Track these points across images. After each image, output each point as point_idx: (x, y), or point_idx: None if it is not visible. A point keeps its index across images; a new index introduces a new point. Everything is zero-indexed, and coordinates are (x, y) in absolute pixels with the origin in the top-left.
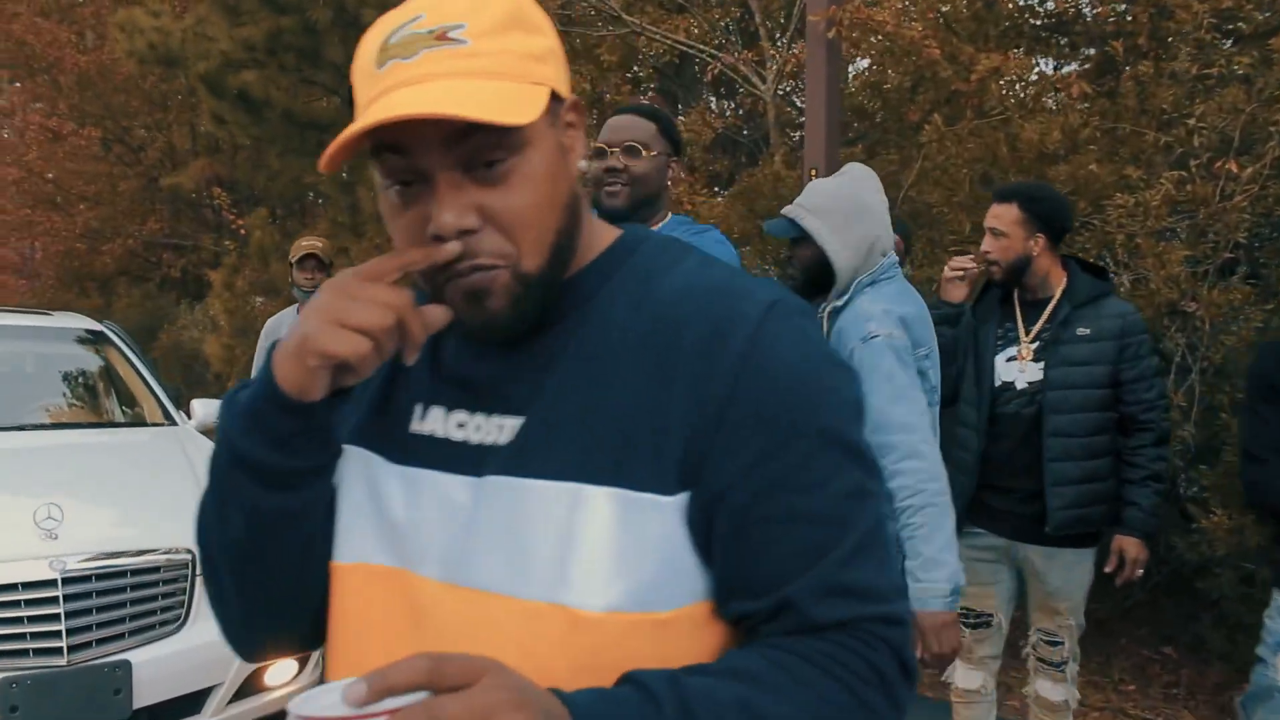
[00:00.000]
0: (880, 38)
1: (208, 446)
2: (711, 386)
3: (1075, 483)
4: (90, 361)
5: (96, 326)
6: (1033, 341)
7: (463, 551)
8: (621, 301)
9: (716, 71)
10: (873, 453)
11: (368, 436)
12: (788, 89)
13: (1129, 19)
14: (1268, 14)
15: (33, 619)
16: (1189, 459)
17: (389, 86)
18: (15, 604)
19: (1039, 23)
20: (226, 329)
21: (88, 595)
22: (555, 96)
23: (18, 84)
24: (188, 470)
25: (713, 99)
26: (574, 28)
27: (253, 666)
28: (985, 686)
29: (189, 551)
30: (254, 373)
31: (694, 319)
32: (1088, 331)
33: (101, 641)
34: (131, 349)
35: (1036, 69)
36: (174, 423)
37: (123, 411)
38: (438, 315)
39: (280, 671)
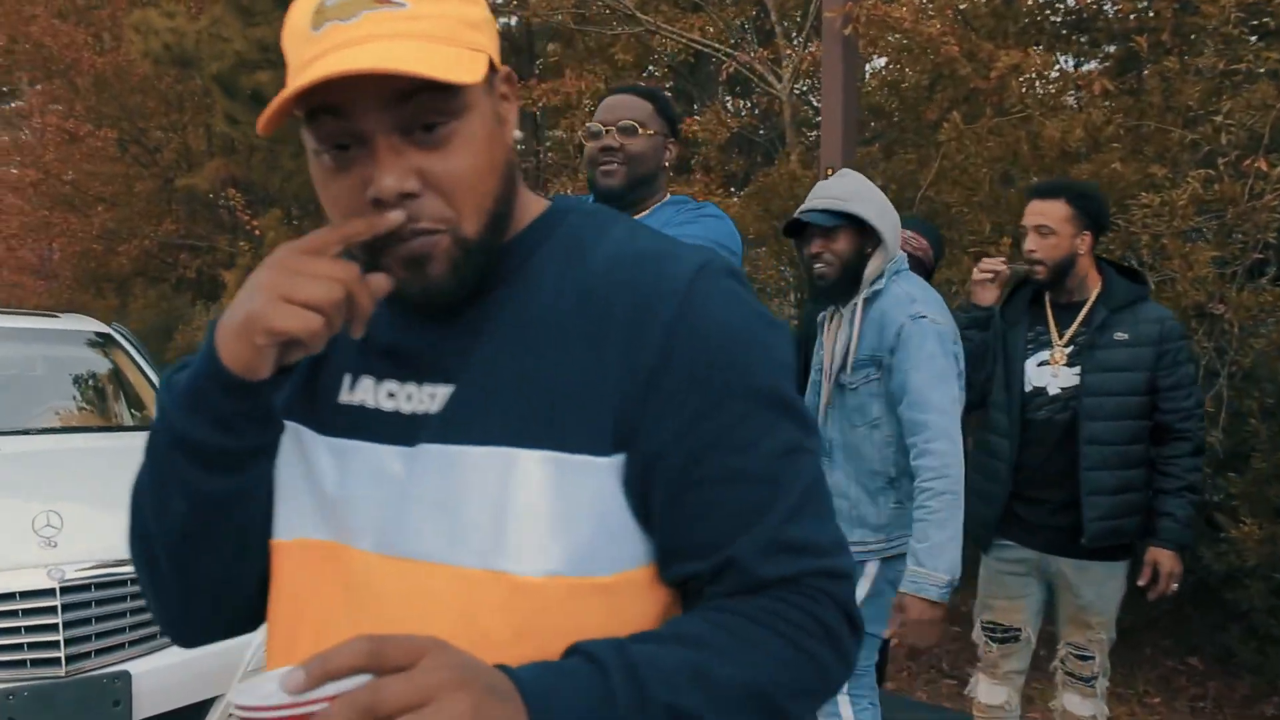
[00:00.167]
0: (897, 35)
1: None
2: (644, 348)
3: (1111, 492)
4: (97, 364)
5: (104, 329)
6: (1067, 345)
7: (397, 522)
8: (551, 270)
9: (731, 70)
10: (807, 410)
11: (297, 410)
12: (804, 88)
13: (1151, 14)
14: None
15: (30, 629)
16: (1217, 466)
17: (328, 48)
18: (13, 614)
19: (1059, 20)
20: None
21: (87, 605)
22: (491, 66)
23: (37, 86)
24: None
25: (728, 98)
26: (588, 26)
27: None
28: (1009, 702)
29: None
30: None
31: (624, 284)
32: (1125, 336)
33: (101, 652)
34: (139, 351)
35: (1057, 66)
36: None
37: (129, 415)
38: (381, 284)
39: None
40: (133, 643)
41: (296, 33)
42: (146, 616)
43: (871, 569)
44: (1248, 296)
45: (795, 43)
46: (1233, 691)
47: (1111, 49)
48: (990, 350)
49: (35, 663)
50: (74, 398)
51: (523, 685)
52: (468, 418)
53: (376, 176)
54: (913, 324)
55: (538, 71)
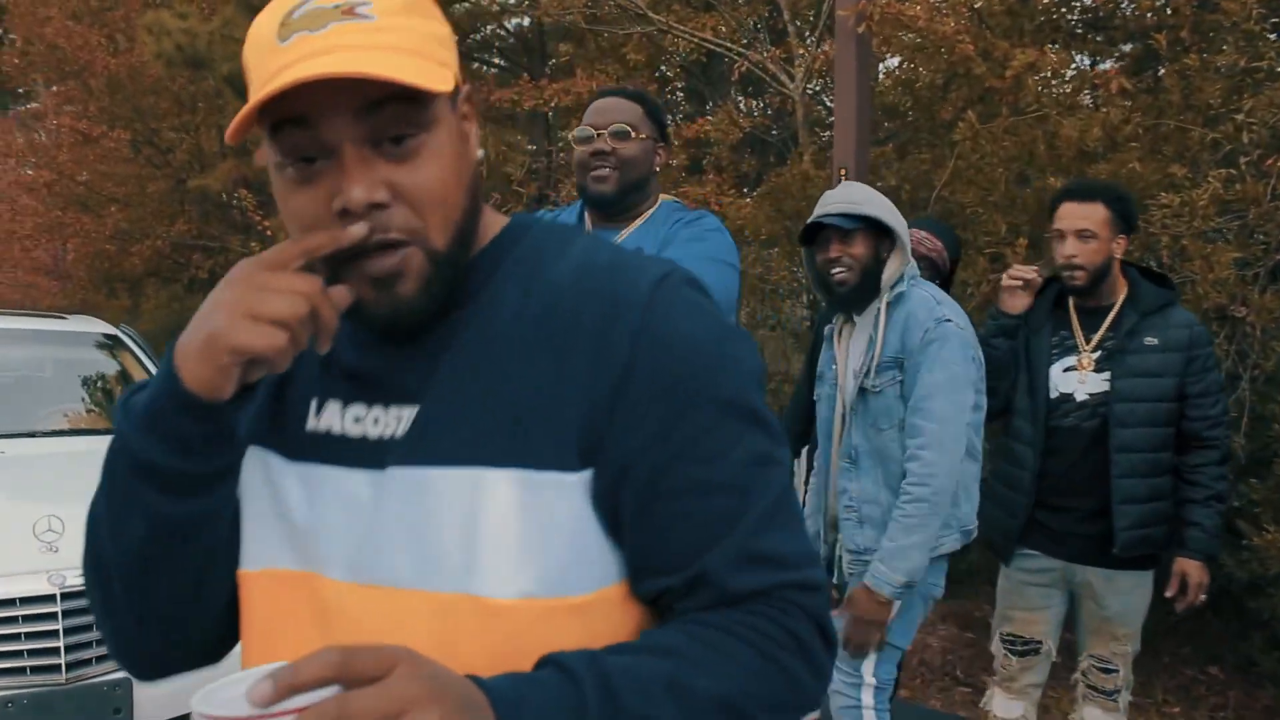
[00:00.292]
0: (911, 34)
1: None
2: (608, 361)
3: (1142, 500)
4: (104, 366)
5: (112, 330)
6: (1094, 351)
7: (368, 549)
8: (513, 287)
9: (744, 70)
10: (775, 419)
11: (263, 435)
12: (817, 88)
13: (1170, 11)
14: None
15: (30, 635)
16: (1239, 471)
17: (295, 58)
18: (13, 620)
19: (1074, 18)
20: None
21: (87, 611)
22: (456, 83)
23: (53, 88)
24: None
25: (740, 98)
26: (599, 26)
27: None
28: (1026, 716)
29: None
30: None
31: (586, 298)
32: (1156, 341)
33: (101, 659)
34: (146, 353)
35: (1074, 66)
36: None
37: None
38: (342, 296)
39: None
40: None
41: (261, 45)
42: None
43: None
44: (1270, 299)
45: (808, 42)
46: (1254, 701)
47: (1128, 47)
48: (1015, 357)
49: (35, 670)
50: (81, 400)
51: (494, 696)
52: (434, 439)
53: (345, 187)
54: (938, 327)
55: (549, 72)
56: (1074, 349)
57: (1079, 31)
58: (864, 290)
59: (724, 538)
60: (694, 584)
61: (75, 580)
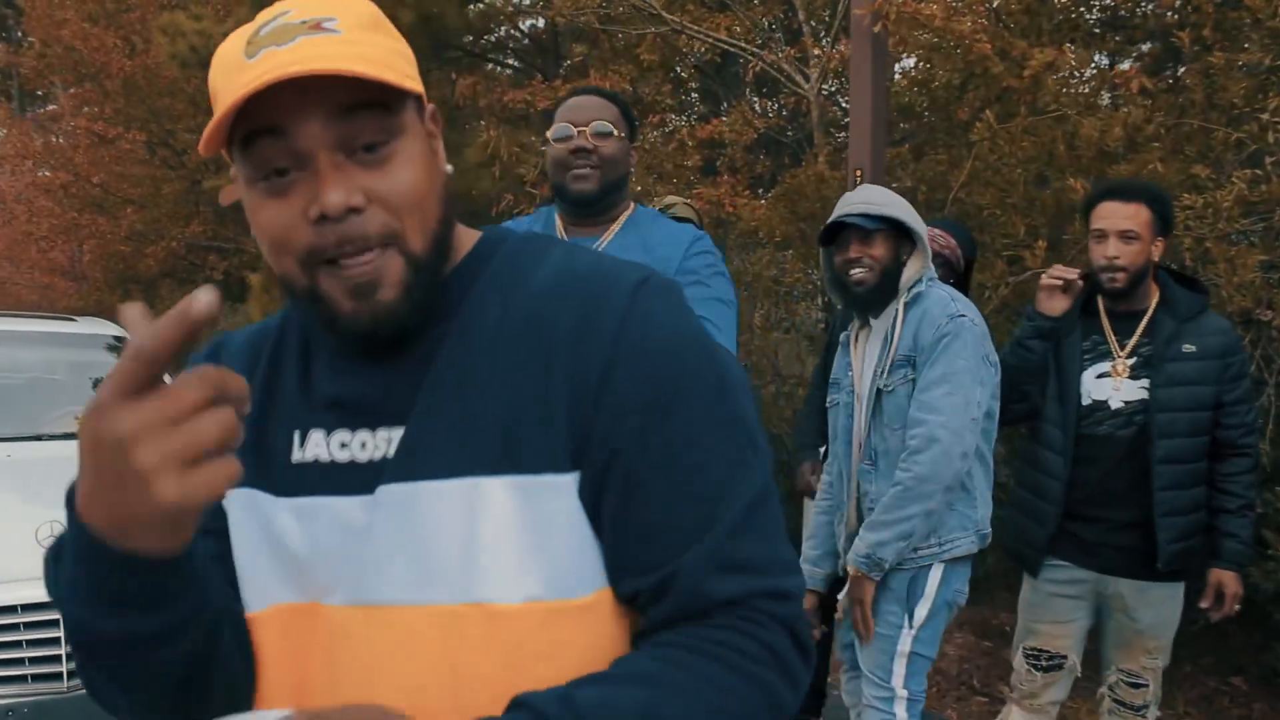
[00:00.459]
0: (928, 33)
1: None
2: (588, 364)
3: (1183, 513)
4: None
5: (120, 332)
6: (1129, 357)
7: (368, 570)
8: (492, 298)
9: (758, 70)
10: (754, 423)
11: (249, 475)
12: (832, 88)
13: (1192, 9)
14: None
15: (32, 643)
16: (1263, 479)
17: (264, 70)
18: (14, 627)
19: (1093, 17)
20: None
21: None
22: (420, 99)
23: (70, 90)
24: None
25: (755, 99)
26: (613, 27)
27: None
28: None
29: None
30: None
31: (566, 304)
32: (1193, 349)
33: None
34: None
35: (1093, 65)
36: None
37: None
38: (204, 302)
39: None
40: None
41: (229, 64)
42: None
43: (935, 576)
44: None
45: (823, 42)
46: (1278, 714)
47: (1146, 47)
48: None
49: (36, 678)
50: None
51: None
52: (425, 454)
53: (321, 193)
54: (950, 323)
55: (563, 73)
56: (1107, 354)
57: (1097, 31)
58: (881, 291)
59: (697, 541)
60: (665, 586)
61: None
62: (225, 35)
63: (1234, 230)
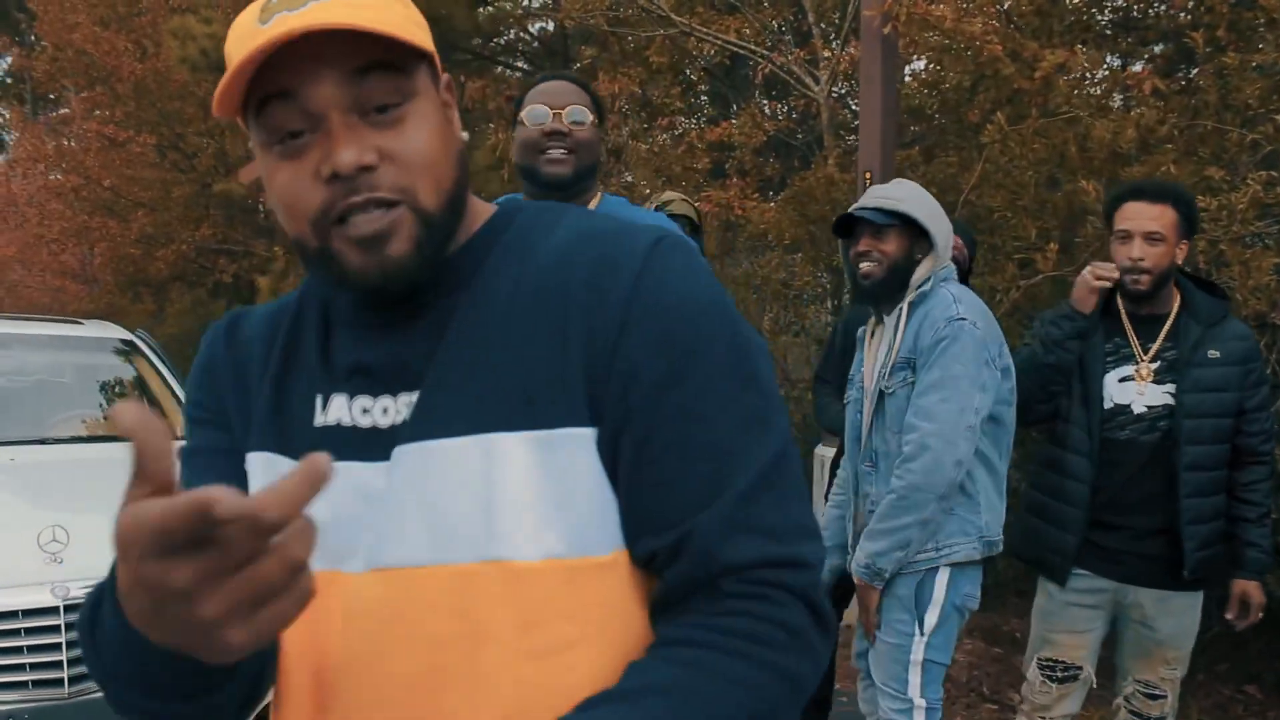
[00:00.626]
0: (938, 34)
1: None
2: (603, 320)
3: (1207, 520)
4: (119, 372)
5: (128, 336)
6: (1153, 361)
7: (385, 534)
8: (506, 265)
9: (768, 72)
10: (773, 383)
11: (270, 438)
12: (842, 90)
13: (1205, 10)
14: None
15: (33, 648)
16: (1277, 485)
17: (274, 38)
18: (15, 632)
19: (1105, 19)
20: None
21: None
22: (435, 68)
23: (82, 93)
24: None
25: (765, 101)
26: (622, 29)
27: (267, 698)
28: None
29: None
30: None
31: (581, 262)
32: (1218, 354)
33: None
34: (162, 359)
35: (1105, 67)
36: None
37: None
38: (321, 466)
39: None
40: None
41: (242, 31)
42: None
43: (942, 580)
44: None
45: (833, 44)
46: None
47: (1159, 48)
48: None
49: (38, 683)
50: (97, 406)
51: None
52: (440, 414)
53: (334, 151)
54: (948, 326)
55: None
56: (1130, 358)
57: (1109, 32)
58: (888, 287)
59: (712, 500)
60: (681, 545)
61: (79, 592)
62: None
63: (1249, 233)
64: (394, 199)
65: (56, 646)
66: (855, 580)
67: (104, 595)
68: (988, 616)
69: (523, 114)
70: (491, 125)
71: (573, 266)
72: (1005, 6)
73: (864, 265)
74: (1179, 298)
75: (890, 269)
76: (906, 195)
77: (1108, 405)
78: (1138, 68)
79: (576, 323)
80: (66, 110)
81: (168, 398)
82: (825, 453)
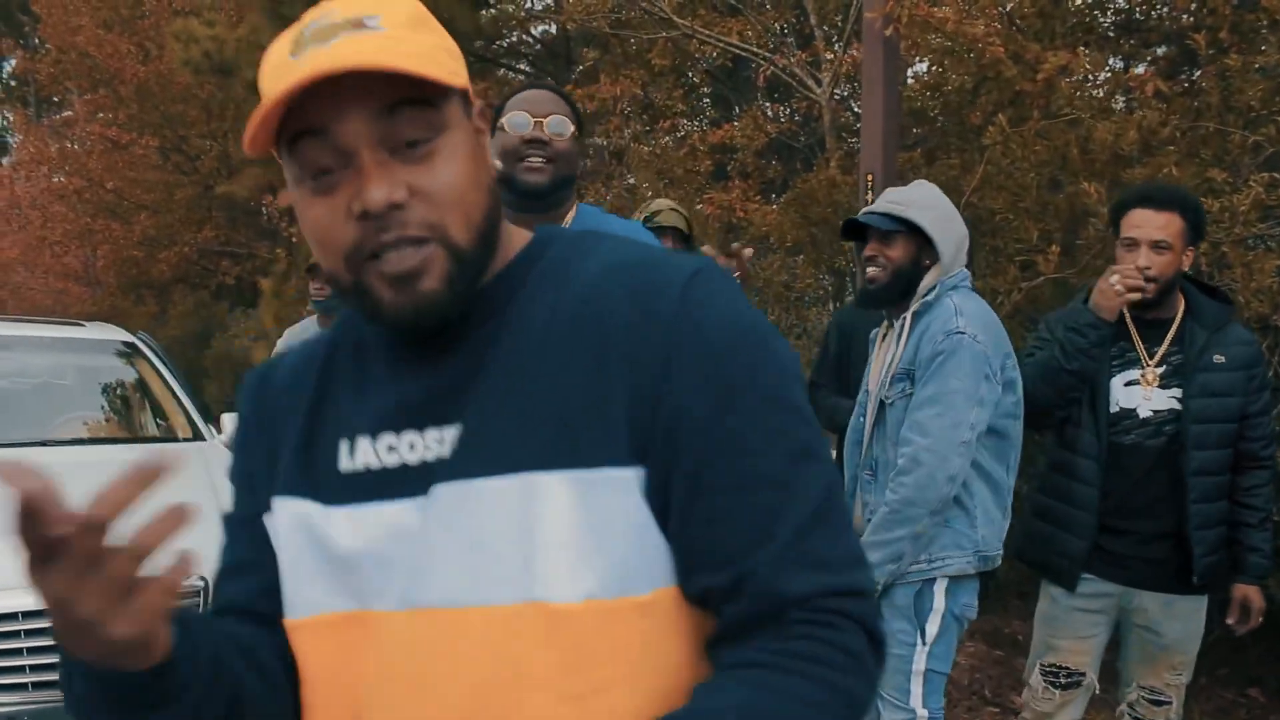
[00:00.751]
0: (940, 36)
1: None
2: (647, 355)
3: (1214, 525)
4: (120, 374)
5: (129, 338)
6: (1159, 366)
7: (420, 573)
8: (542, 296)
9: (770, 74)
10: (812, 411)
11: (299, 484)
12: (845, 92)
13: (1207, 11)
14: None
15: (33, 650)
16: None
17: (305, 74)
18: (15, 634)
19: (1108, 21)
20: (275, 336)
21: None
22: (467, 94)
23: (85, 96)
24: (208, 491)
25: (767, 104)
26: (625, 31)
27: None
28: None
29: (201, 579)
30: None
31: (618, 294)
32: (1223, 359)
33: None
34: (163, 361)
35: (1107, 69)
36: (202, 438)
37: (154, 425)
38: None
39: None
40: None
41: (275, 65)
42: None
43: (940, 590)
44: None
45: (836, 46)
46: None
47: (1162, 50)
48: None
49: (38, 685)
50: (98, 408)
51: None
52: (479, 452)
53: (364, 188)
54: (946, 340)
55: (575, 78)
56: (1135, 362)
57: (1112, 35)
58: (892, 292)
59: (769, 536)
60: (740, 584)
61: None
62: (238, 41)
63: (1251, 235)
64: (425, 236)
65: (56, 649)
66: None
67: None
68: (989, 619)
69: (503, 120)
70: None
71: (610, 297)
72: (1007, 9)
73: (870, 270)
74: (1183, 302)
75: (894, 274)
76: (917, 200)
77: (1113, 409)
78: (1140, 70)
79: (617, 356)
80: (70, 113)
81: (169, 399)
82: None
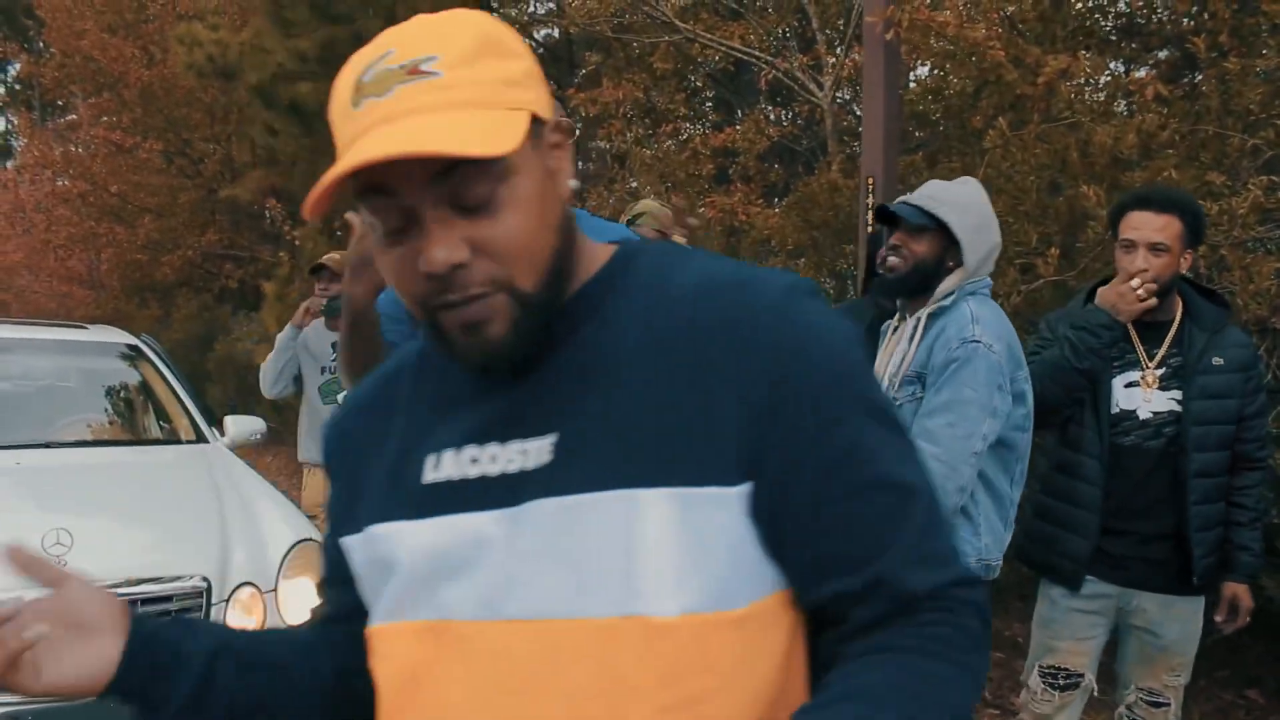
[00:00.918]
0: (941, 40)
1: (237, 465)
2: (755, 374)
3: (1213, 526)
4: (124, 377)
5: (132, 341)
6: (1158, 368)
7: (508, 584)
8: (633, 308)
9: (772, 78)
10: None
11: (385, 510)
12: (846, 96)
13: (1208, 15)
14: None
15: None
16: (1278, 490)
17: (366, 126)
18: None
19: (1109, 24)
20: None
21: None
22: (537, 119)
23: (90, 100)
24: (211, 493)
25: (769, 108)
26: (627, 35)
27: None
28: None
29: (204, 580)
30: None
31: (717, 312)
32: (1221, 362)
33: None
34: (166, 364)
35: (1107, 72)
36: (205, 440)
37: (157, 427)
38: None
39: None
40: None
41: (340, 109)
42: None
43: None
44: None
45: (837, 50)
46: None
47: (1163, 54)
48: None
49: None
50: (102, 411)
51: None
52: (577, 466)
53: (426, 250)
54: (961, 347)
55: (578, 81)
56: (1135, 364)
57: (1113, 38)
58: (908, 285)
59: (895, 538)
60: (872, 586)
61: None
62: (241, 45)
63: (1250, 237)
64: (488, 291)
65: None
66: None
67: None
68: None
69: None
70: None
71: (710, 316)
72: (1008, 12)
73: (890, 259)
74: (1181, 305)
75: (914, 267)
76: (956, 201)
77: (1114, 410)
78: (1141, 73)
79: (722, 373)
80: (74, 116)
81: (172, 402)
82: None
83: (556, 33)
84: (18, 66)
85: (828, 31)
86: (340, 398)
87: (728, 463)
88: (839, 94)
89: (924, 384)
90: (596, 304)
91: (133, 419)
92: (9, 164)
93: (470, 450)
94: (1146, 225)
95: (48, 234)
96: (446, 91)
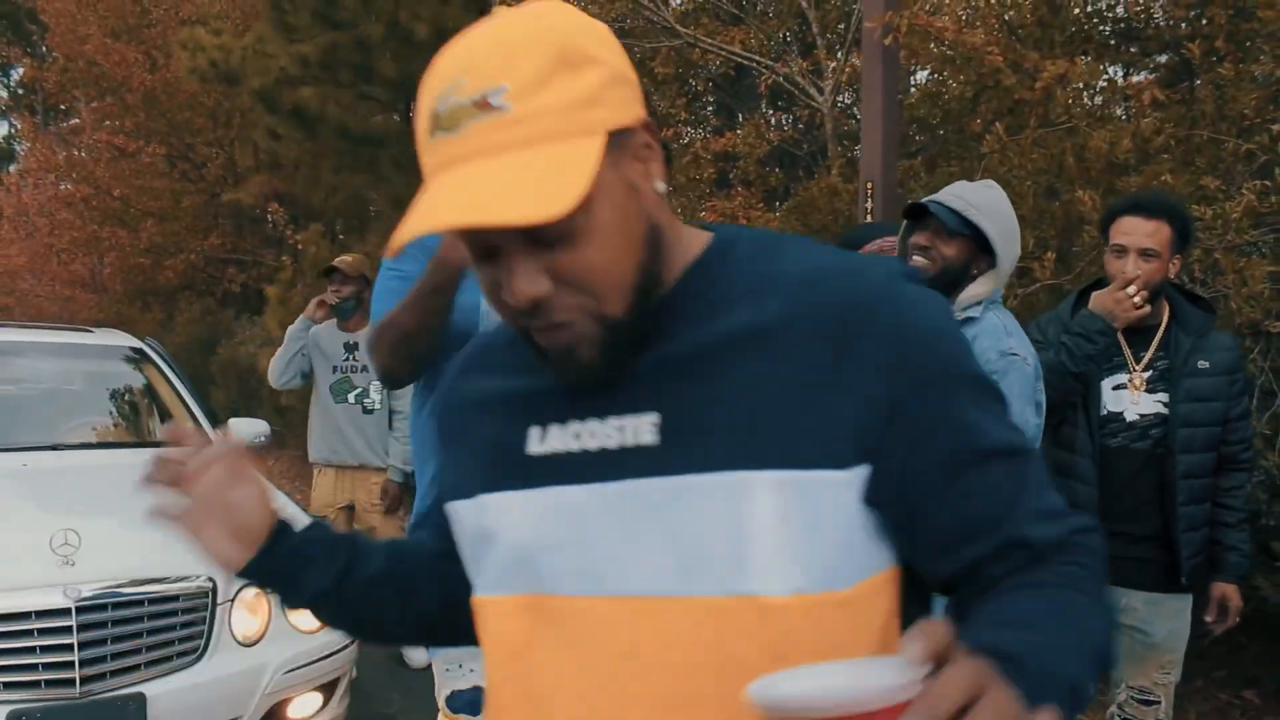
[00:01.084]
0: (940, 45)
1: None
2: (874, 360)
3: (1199, 527)
4: (129, 380)
5: (137, 343)
6: (1145, 370)
7: (614, 560)
8: (735, 293)
9: (772, 83)
10: None
11: (489, 481)
12: (847, 100)
13: (1204, 20)
14: None
15: (45, 649)
16: (1274, 491)
17: (441, 162)
18: (28, 633)
19: (1107, 29)
20: (279, 344)
21: (103, 625)
22: (619, 130)
23: (93, 104)
24: None
25: (769, 112)
26: (628, 39)
27: (276, 699)
28: None
29: (210, 580)
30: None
31: (828, 298)
32: (1207, 365)
33: (116, 673)
34: (171, 367)
35: (1105, 77)
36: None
37: (162, 429)
38: None
39: (305, 704)
40: (148, 664)
41: (421, 133)
42: (163, 637)
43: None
44: None
45: (837, 55)
46: None
47: (1162, 59)
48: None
49: (50, 683)
50: (107, 413)
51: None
52: (683, 445)
53: (508, 283)
54: (1000, 360)
55: None
56: (1122, 366)
57: (1111, 43)
58: (935, 288)
59: (1019, 499)
60: (1005, 547)
61: (90, 594)
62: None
63: (1243, 241)
64: (573, 320)
65: (68, 647)
66: None
67: None
68: None
69: None
70: None
71: (818, 302)
72: (1006, 17)
73: (917, 258)
74: (1168, 309)
75: (942, 271)
76: (989, 208)
77: (1102, 412)
78: (1140, 78)
79: (838, 361)
80: (77, 121)
81: (177, 404)
82: None
83: None
84: (21, 71)
85: (828, 36)
86: (368, 390)
87: (842, 447)
88: (839, 98)
89: None
90: (700, 290)
91: (137, 421)
92: (12, 168)
93: (574, 425)
94: (1137, 230)
95: (50, 238)
96: (515, 128)
